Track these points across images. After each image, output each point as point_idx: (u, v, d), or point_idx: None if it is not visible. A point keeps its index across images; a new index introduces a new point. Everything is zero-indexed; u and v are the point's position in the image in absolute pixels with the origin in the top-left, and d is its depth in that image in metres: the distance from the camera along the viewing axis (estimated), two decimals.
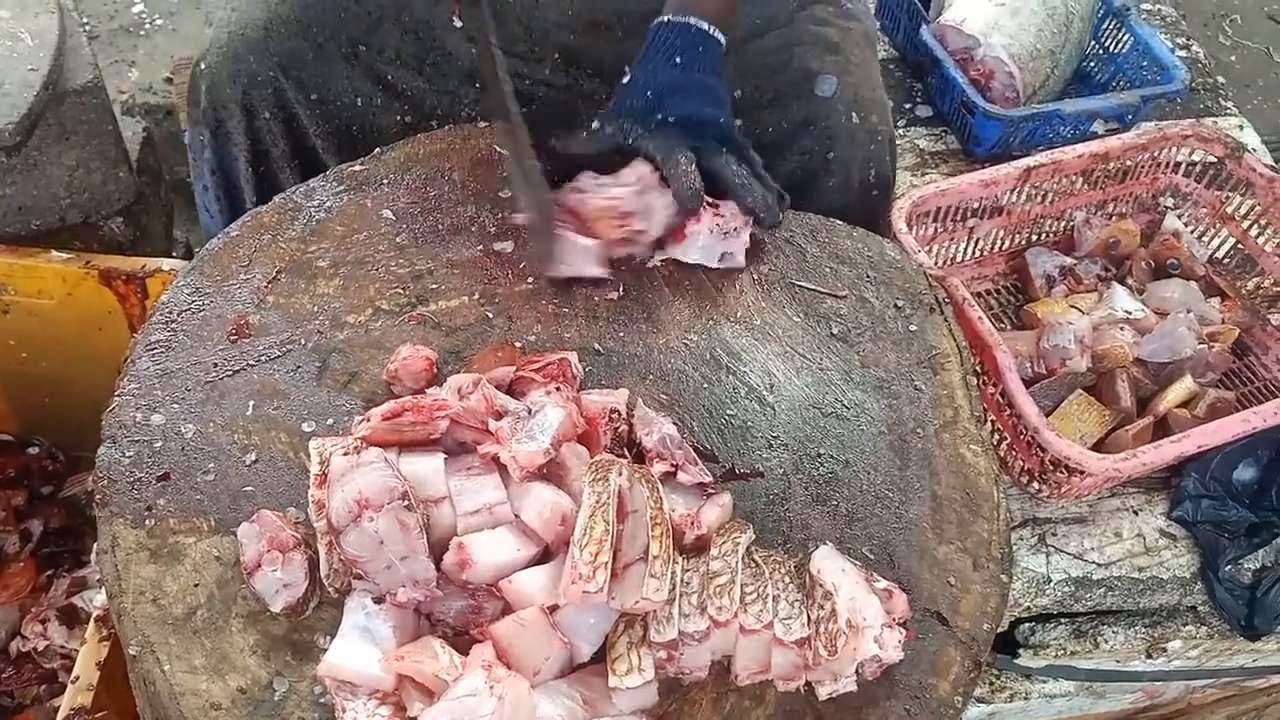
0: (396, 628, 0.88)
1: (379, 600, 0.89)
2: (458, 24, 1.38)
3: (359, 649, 0.87)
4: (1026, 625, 1.40)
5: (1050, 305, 1.46)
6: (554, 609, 0.88)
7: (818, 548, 0.95)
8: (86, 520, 1.67)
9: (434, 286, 1.17)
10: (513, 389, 1.04)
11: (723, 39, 1.21)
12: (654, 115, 1.18)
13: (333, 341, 1.11)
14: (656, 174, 1.16)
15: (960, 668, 0.96)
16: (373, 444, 0.96)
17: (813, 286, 1.19)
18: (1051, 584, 1.29)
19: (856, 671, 0.91)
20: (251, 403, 1.06)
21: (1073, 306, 1.45)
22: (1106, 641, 1.36)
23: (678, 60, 1.19)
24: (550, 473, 0.96)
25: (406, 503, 0.89)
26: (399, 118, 1.41)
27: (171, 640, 0.90)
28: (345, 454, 0.94)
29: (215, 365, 1.08)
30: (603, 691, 0.87)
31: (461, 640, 0.89)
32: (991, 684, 1.42)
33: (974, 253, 1.55)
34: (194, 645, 0.90)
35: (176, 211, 1.88)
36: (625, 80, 1.22)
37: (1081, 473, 1.20)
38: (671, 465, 0.97)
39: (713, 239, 1.18)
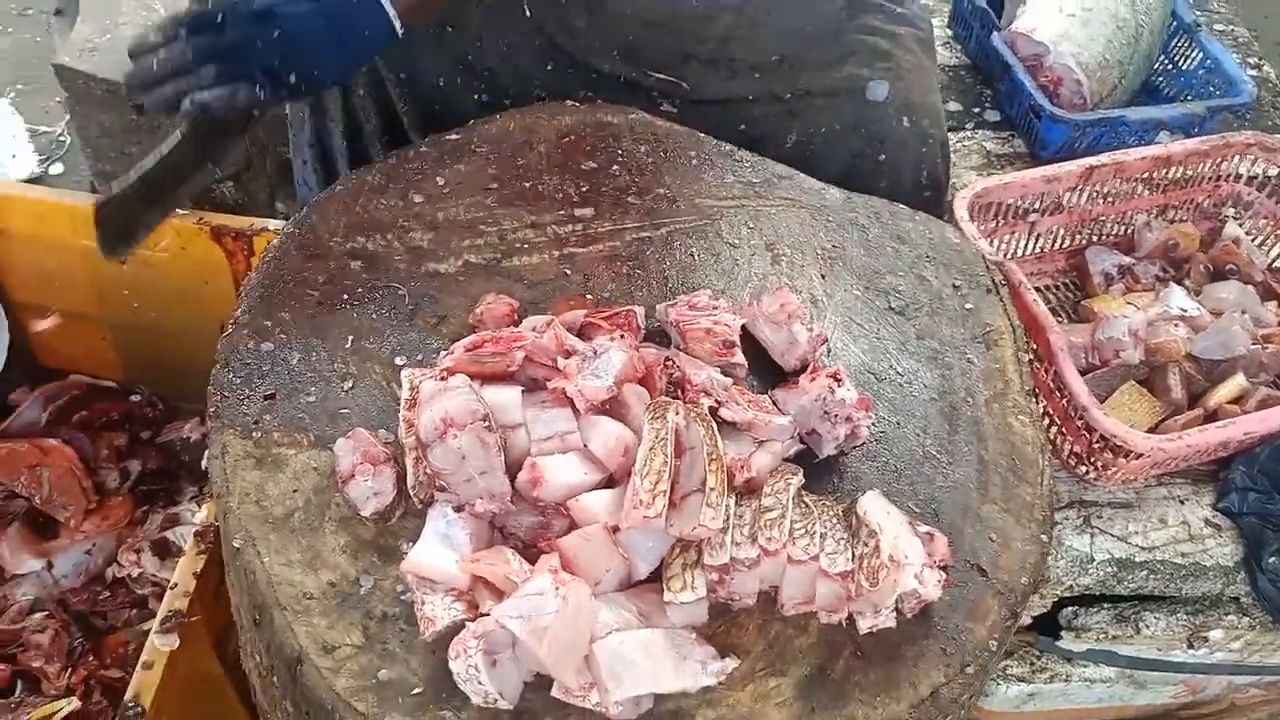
0: (473, 535, 0.96)
1: (459, 509, 0.97)
2: (528, 13, 1.47)
3: (439, 551, 0.95)
4: (1069, 608, 1.43)
5: (1107, 301, 1.51)
6: (615, 530, 0.95)
7: (865, 493, 1.01)
8: (181, 465, 1.79)
9: (518, 245, 1.26)
10: (582, 333, 1.12)
11: (399, 29, 1.15)
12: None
13: (425, 288, 1.21)
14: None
15: (997, 615, 1.01)
16: (464, 371, 1.05)
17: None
18: (1094, 563, 1.33)
19: (897, 608, 0.97)
20: (350, 338, 1.15)
21: (1129, 303, 1.50)
22: (1148, 627, 1.39)
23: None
24: (612, 410, 1.04)
25: (487, 424, 0.98)
26: (476, 96, 1.50)
27: (271, 537, 1.00)
28: (434, 380, 1.03)
29: (319, 304, 1.18)
30: (657, 606, 0.95)
31: (530, 553, 0.97)
32: (1032, 664, 1.46)
33: (1034, 248, 1.60)
34: (291, 542, 0.99)
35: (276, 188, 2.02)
36: None
37: (1128, 454, 1.24)
38: (715, 402, 1.04)
39: (814, 407, 1.07)
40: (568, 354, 1.07)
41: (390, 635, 0.94)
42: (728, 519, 0.97)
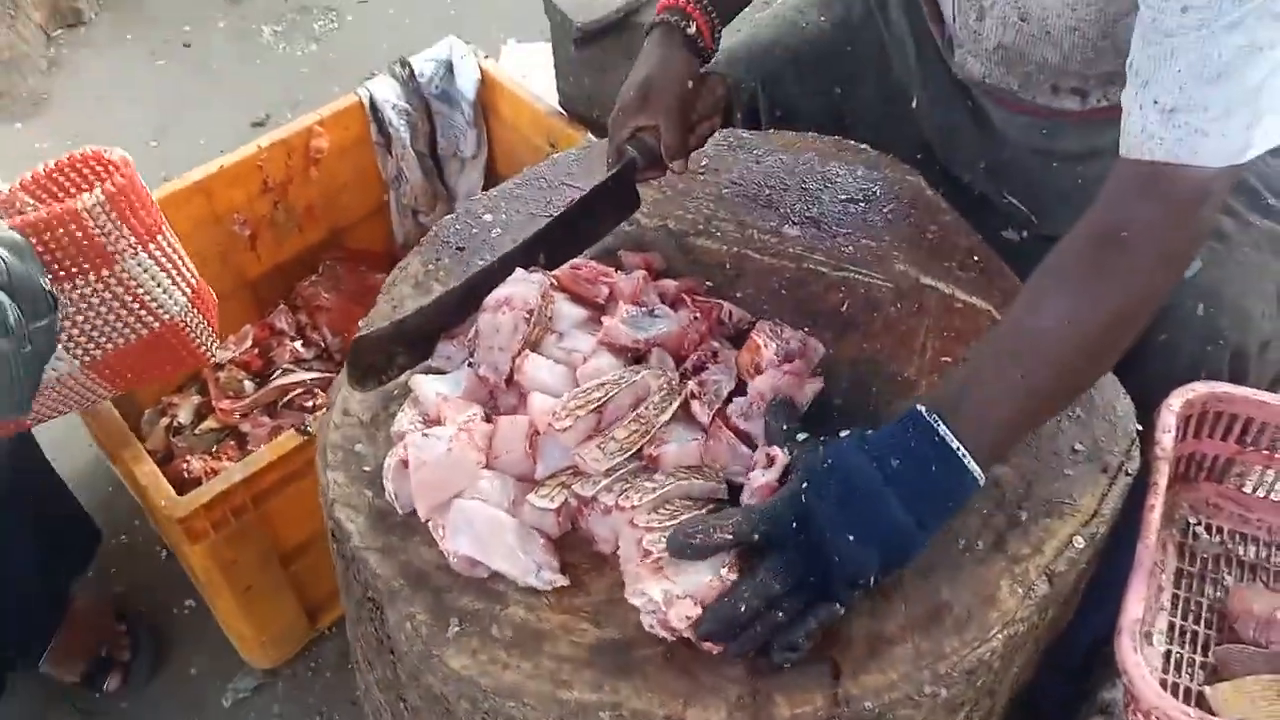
0: (468, 388, 1.18)
1: (472, 365, 1.20)
2: (913, 105, 1.56)
3: (438, 384, 1.19)
4: None
5: None
6: (538, 432, 1.11)
7: None
8: None
9: (713, 230, 1.41)
10: (675, 305, 1.26)
11: (980, 479, 0.99)
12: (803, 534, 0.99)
13: (619, 229, 1.42)
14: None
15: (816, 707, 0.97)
16: (561, 283, 1.27)
17: None
18: None
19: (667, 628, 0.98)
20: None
21: None
22: None
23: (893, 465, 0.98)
24: (637, 360, 1.18)
25: (529, 317, 1.18)
26: None
27: (384, 323, 1.31)
28: (529, 270, 1.26)
29: (540, 205, 1.46)
30: None
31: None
32: None
33: None
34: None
35: None
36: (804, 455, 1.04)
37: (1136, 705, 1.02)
38: (691, 394, 1.12)
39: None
40: (636, 303, 1.23)
41: (387, 420, 1.21)
42: (615, 470, 1.07)
